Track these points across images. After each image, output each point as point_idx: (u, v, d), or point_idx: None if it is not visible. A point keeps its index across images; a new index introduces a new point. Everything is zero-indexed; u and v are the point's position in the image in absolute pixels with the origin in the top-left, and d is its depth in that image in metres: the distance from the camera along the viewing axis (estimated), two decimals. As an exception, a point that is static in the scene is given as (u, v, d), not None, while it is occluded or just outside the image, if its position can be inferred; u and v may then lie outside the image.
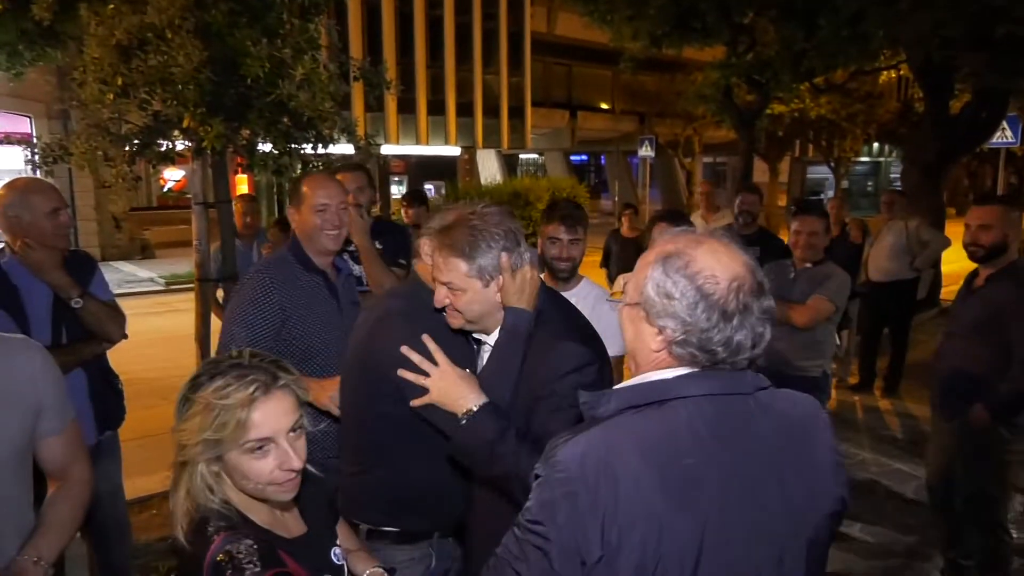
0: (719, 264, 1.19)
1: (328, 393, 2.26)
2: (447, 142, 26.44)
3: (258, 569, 1.33)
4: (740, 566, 1.17)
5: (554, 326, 1.80)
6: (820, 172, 34.66)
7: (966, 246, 3.38)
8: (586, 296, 2.71)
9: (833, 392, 6.82)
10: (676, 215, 3.82)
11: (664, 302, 1.20)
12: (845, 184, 31.81)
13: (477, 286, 1.79)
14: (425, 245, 1.93)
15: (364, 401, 1.98)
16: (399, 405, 1.83)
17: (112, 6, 4.66)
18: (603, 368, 1.82)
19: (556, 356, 1.72)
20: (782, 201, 28.95)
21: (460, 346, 1.95)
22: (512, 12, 26.93)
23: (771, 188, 28.89)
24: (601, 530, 1.11)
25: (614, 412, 1.21)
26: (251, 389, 1.38)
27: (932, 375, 3.62)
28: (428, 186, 26.71)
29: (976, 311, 3.32)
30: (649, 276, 1.24)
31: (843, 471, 1.29)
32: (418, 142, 25.64)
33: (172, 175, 19.51)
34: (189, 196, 5.72)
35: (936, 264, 7.68)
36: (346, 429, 2.12)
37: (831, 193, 30.31)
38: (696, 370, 1.22)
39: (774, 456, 1.21)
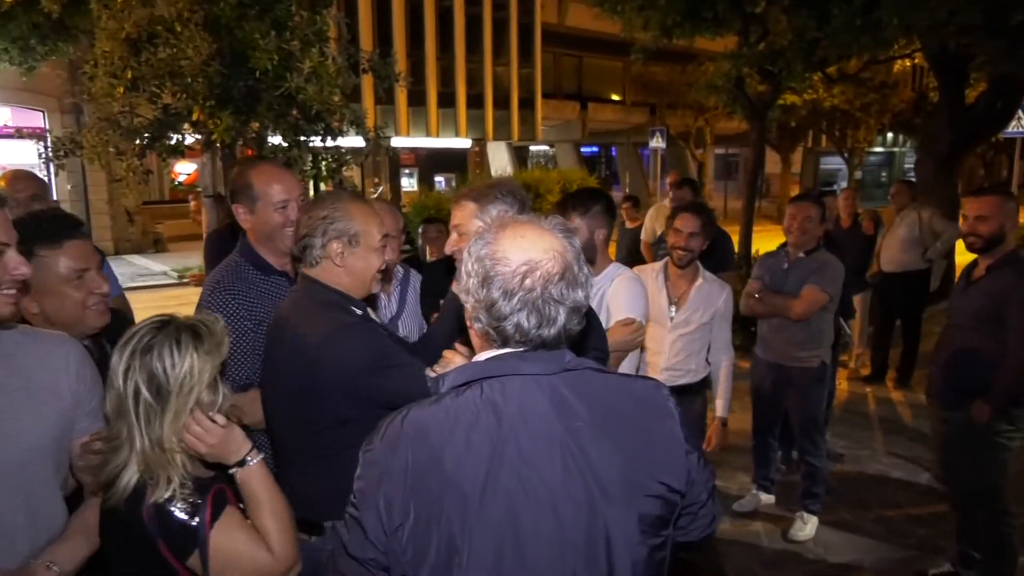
0: (515, 247, 1.26)
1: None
2: (457, 134, 26.41)
3: (199, 499, 1.56)
4: (532, 543, 1.22)
5: None
6: (833, 163, 34.40)
7: (964, 237, 3.39)
8: (606, 274, 2.83)
9: (845, 383, 6.79)
10: (699, 207, 3.80)
11: (466, 280, 1.30)
12: (859, 175, 31.54)
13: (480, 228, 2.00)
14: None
15: (316, 418, 1.90)
16: (368, 409, 1.83)
17: (122, -1, 4.69)
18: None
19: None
20: (795, 192, 28.80)
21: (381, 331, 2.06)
22: (522, 3, 26.82)
23: (784, 179, 28.75)
24: (394, 501, 1.24)
25: (451, 390, 1.30)
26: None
27: (932, 367, 3.63)
28: (438, 178, 26.71)
29: (978, 302, 3.32)
30: (462, 259, 1.34)
31: (679, 459, 1.32)
32: (428, 134, 25.63)
33: (184, 168, 19.64)
34: (200, 189, 5.75)
35: (950, 255, 7.61)
36: (293, 439, 2.00)
37: (844, 184, 30.09)
38: (501, 352, 1.30)
39: (574, 435, 1.25)
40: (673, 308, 3.66)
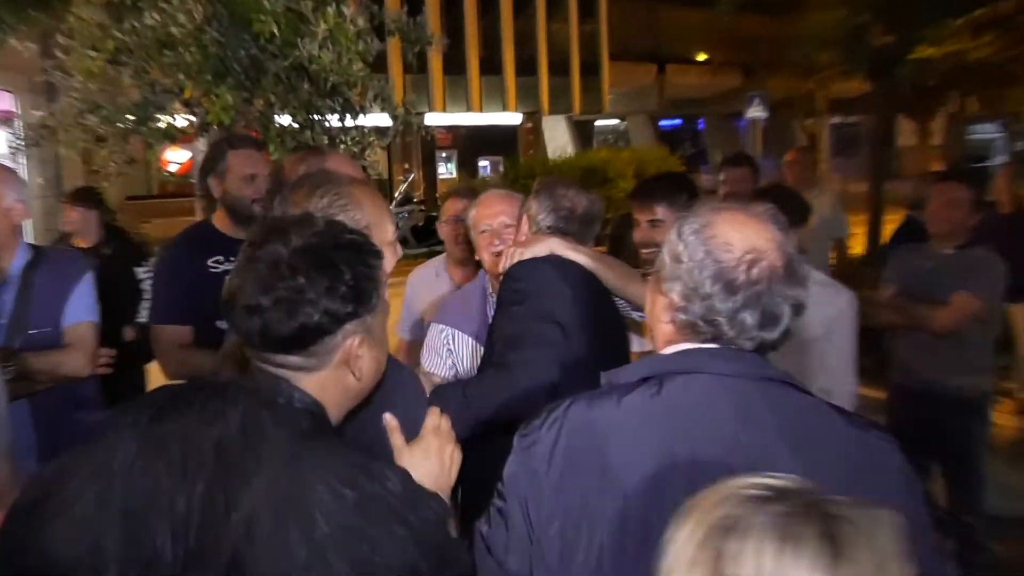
0: (737, 233, 1.32)
1: None
2: (505, 108, 26.53)
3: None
4: None
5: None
6: (987, 132, 33.47)
7: None
8: None
9: (1011, 418, 6.54)
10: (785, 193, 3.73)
11: (673, 265, 1.35)
12: (1021, 146, 30.64)
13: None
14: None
15: None
16: None
17: (101, -43, 4.81)
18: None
19: None
20: (936, 169, 28.14)
21: None
22: (583, -56, 26.85)
23: (922, 154, 28.05)
24: (545, 493, 1.34)
25: (625, 384, 1.38)
26: None
27: None
28: (483, 163, 26.81)
29: None
30: (666, 241, 1.40)
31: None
32: (469, 109, 25.78)
33: (175, 156, 20.09)
34: (194, 181, 5.84)
35: None
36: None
37: (1002, 159, 29.23)
38: (699, 346, 1.35)
39: (760, 451, 1.27)
40: None
